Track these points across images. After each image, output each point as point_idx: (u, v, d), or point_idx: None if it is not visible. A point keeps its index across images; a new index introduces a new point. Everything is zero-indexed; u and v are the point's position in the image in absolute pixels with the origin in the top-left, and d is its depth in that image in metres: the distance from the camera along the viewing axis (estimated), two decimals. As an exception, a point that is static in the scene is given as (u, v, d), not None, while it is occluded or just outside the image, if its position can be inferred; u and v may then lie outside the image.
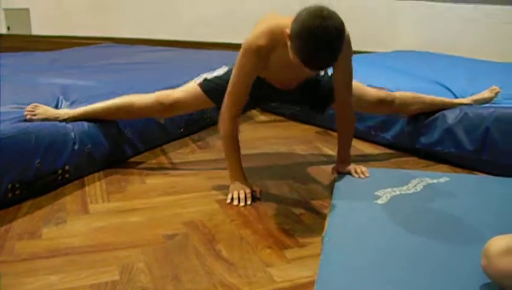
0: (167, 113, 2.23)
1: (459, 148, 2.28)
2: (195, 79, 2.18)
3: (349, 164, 2.06)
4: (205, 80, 2.15)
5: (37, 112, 2.08)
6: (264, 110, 3.18)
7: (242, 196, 1.91)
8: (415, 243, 1.49)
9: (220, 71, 2.15)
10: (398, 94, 2.36)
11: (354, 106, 2.05)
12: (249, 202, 1.89)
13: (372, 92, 2.27)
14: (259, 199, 1.93)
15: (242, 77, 1.87)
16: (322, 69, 1.74)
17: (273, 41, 1.77)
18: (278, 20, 1.78)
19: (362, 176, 2.00)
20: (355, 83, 2.07)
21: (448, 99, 2.42)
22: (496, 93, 2.41)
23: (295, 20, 1.58)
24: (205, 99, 2.14)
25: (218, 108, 2.02)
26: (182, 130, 2.65)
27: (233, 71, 1.89)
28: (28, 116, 2.05)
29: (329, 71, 2.13)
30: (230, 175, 1.99)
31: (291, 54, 1.62)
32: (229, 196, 1.92)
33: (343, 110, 2.02)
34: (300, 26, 1.55)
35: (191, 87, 2.17)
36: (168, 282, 1.40)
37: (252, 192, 1.94)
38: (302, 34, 1.54)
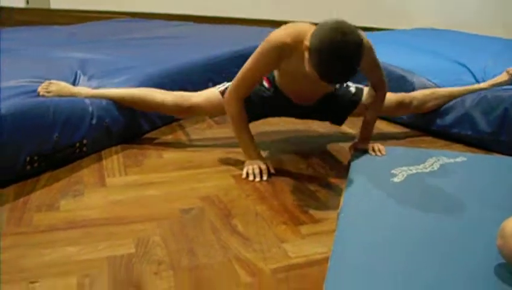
0: (183, 114, 2.29)
1: (476, 131, 2.27)
2: (217, 86, 2.18)
3: (369, 142, 2.07)
4: (227, 88, 2.08)
5: (50, 89, 2.10)
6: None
7: (257, 171, 1.92)
8: (430, 222, 1.48)
9: None
10: (416, 93, 2.38)
11: None
12: (264, 177, 1.91)
13: (390, 96, 2.26)
14: (274, 175, 1.93)
15: (257, 65, 1.87)
16: (338, 83, 1.78)
17: (297, 43, 1.74)
18: (305, 27, 1.76)
19: (379, 153, 2.00)
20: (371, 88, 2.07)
21: (466, 87, 2.39)
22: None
23: (315, 34, 1.58)
24: (224, 107, 2.06)
25: None
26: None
27: (252, 57, 1.87)
28: (41, 94, 2.07)
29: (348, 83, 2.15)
30: (244, 152, 2.00)
31: (307, 67, 1.62)
32: (244, 171, 1.94)
33: (379, 99, 2.04)
34: (320, 41, 1.54)
35: (211, 93, 2.17)
36: (184, 255, 1.41)
37: (267, 167, 1.95)
38: (321, 48, 1.54)
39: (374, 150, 2.02)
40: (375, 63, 1.89)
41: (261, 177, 1.91)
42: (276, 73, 2.04)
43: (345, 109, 2.17)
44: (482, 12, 3.84)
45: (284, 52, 1.78)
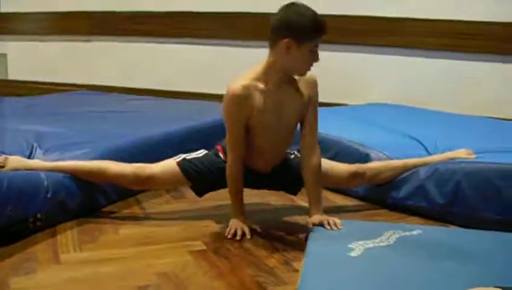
0: (140, 186, 2.28)
1: (430, 203, 2.30)
2: (174, 158, 2.22)
3: (322, 214, 2.06)
4: (184, 159, 2.20)
5: (6, 163, 2.08)
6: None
7: (240, 232, 2.03)
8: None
9: (199, 153, 2.23)
10: (369, 165, 2.43)
11: (327, 182, 2.28)
12: (248, 237, 2.02)
13: (343, 167, 2.34)
14: (231, 251, 1.92)
15: (231, 125, 2.03)
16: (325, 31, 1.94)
17: (247, 89, 1.96)
18: (255, 68, 2.01)
19: (335, 227, 2.00)
20: (324, 160, 2.21)
21: (421, 159, 2.44)
22: (472, 158, 2.41)
23: (290, 24, 1.90)
24: (181, 177, 2.18)
25: (192, 187, 2.22)
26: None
27: (225, 123, 2.04)
28: None
29: (295, 152, 2.25)
30: (232, 212, 2.12)
31: (295, 53, 1.90)
32: (228, 231, 2.05)
33: (311, 154, 2.08)
34: (299, 17, 1.90)
35: (168, 165, 2.21)
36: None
37: (251, 228, 2.07)
38: (304, 17, 1.89)
39: (329, 224, 2.00)
40: (317, 100, 2.10)
41: (245, 236, 2.03)
42: None
43: (299, 178, 2.17)
44: (434, 89, 3.98)
45: (240, 101, 1.96)
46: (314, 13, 1.92)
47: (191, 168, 2.18)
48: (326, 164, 2.25)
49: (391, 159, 2.48)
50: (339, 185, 2.44)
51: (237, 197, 2.11)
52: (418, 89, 4.03)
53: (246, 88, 1.96)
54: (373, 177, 2.40)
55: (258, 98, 1.98)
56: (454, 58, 3.91)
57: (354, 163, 2.44)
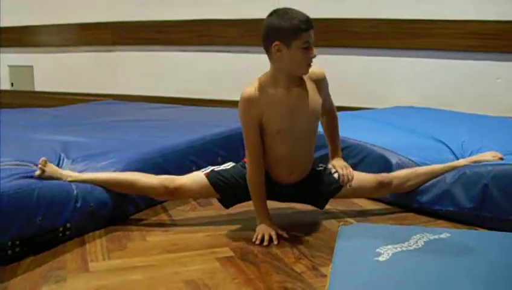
0: (169, 196, 2.28)
1: (457, 207, 2.28)
2: (202, 170, 2.26)
3: (340, 159, 2.27)
4: (212, 171, 2.24)
5: (46, 168, 2.11)
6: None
7: (267, 237, 2.05)
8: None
9: (228, 165, 2.27)
10: (396, 173, 2.41)
11: (355, 194, 2.35)
12: (275, 242, 2.04)
13: (371, 177, 2.34)
14: (259, 257, 1.92)
15: (246, 131, 2.08)
16: (312, 26, 1.96)
17: (257, 93, 2.03)
18: (260, 77, 2.09)
19: (347, 183, 2.16)
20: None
21: (447, 164, 2.41)
22: (499, 159, 2.38)
23: (274, 28, 1.97)
24: (209, 189, 2.21)
25: (219, 200, 2.25)
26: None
27: (242, 130, 2.10)
28: (40, 171, 2.08)
29: (329, 169, 2.28)
30: (257, 218, 2.14)
31: (287, 54, 1.95)
32: (256, 236, 2.07)
33: (332, 118, 2.28)
34: (280, 19, 1.95)
35: (197, 176, 2.24)
36: None
37: (278, 233, 2.09)
38: (280, 18, 1.95)
39: (343, 175, 2.16)
40: (328, 91, 2.19)
41: (273, 241, 2.05)
42: None
43: (327, 193, 2.25)
44: (461, 91, 3.95)
45: (254, 101, 2.03)
46: (296, 12, 1.95)
47: (219, 179, 2.20)
48: (355, 175, 2.24)
49: (418, 165, 2.45)
50: (366, 195, 2.44)
51: (261, 204, 2.14)
52: (445, 91, 4.01)
53: (255, 92, 2.03)
54: (400, 186, 2.38)
55: (268, 102, 2.04)
56: (480, 58, 3.88)
57: (380, 169, 2.45)
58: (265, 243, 2.03)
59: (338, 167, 2.21)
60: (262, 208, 2.13)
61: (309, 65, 2.01)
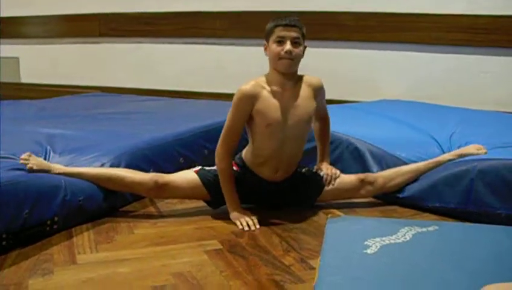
0: (158, 192, 2.27)
1: (443, 202, 2.28)
2: (192, 168, 2.30)
3: (328, 163, 2.40)
4: (202, 168, 2.29)
5: (30, 161, 2.09)
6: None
7: (250, 223, 2.13)
8: (406, 294, 1.48)
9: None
10: (380, 173, 2.44)
11: (340, 194, 2.38)
12: (258, 226, 2.12)
13: (354, 176, 2.39)
14: (247, 249, 1.92)
15: (231, 117, 2.16)
16: (292, 24, 2.08)
17: (256, 87, 2.13)
18: (261, 75, 2.18)
19: (331, 182, 2.31)
20: None
21: (432, 160, 2.43)
22: (482, 153, 2.41)
23: (265, 31, 2.13)
24: (198, 186, 2.24)
25: (207, 201, 2.29)
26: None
27: (228, 115, 2.17)
28: (29, 166, 2.08)
29: (314, 169, 2.39)
30: (228, 205, 2.21)
31: (269, 51, 2.12)
32: (238, 224, 2.13)
33: (326, 123, 2.41)
34: (269, 23, 2.11)
35: (187, 173, 2.29)
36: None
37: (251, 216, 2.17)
38: (272, 21, 2.11)
39: (328, 174, 2.33)
40: (324, 99, 2.31)
41: (256, 226, 2.12)
42: (245, 153, 2.27)
43: (311, 192, 2.34)
44: (445, 85, 3.97)
45: (246, 98, 2.12)
46: (285, 17, 2.10)
47: (209, 177, 2.24)
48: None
49: (404, 161, 2.46)
50: (349, 196, 2.41)
51: (231, 191, 2.20)
52: (431, 85, 4.03)
53: (254, 87, 2.13)
54: (384, 184, 2.38)
55: (263, 97, 2.13)
56: (465, 52, 3.90)
57: (361, 164, 2.56)
58: (252, 227, 2.11)
59: (324, 167, 2.37)
60: (233, 195, 2.21)
61: (283, 58, 2.09)
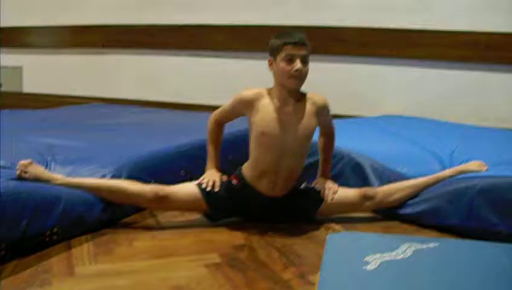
0: (158, 204, 2.26)
1: (444, 220, 2.27)
2: (193, 182, 2.31)
3: (328, 178, 2.42)
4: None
5: (28, 170, 2.09)
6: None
7: (211, 183, 2.25)
8: (405, 312, 1.47)
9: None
10: (380, 188, 2.43)
11: (339, 209, 2.38)
12: (216, 189, 2.25)
13: (354, 190, 2.39)
14: (246, 264, 1.91)
15: (227, 107, 2.31)
16: (302, 43, 2.11)
17: (256, 95, 2.19)
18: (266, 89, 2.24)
19: (330, 197, 2.31)
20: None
21: (432, 177, 2.42)
22: (484, 170, 2.40)
23: (270, 46, 2.16)
24: (198, 199, 2.26)
25: (206, 215, 2.31)
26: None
27: (227, 103, 2.31)
28: (18, 172, 2.07)
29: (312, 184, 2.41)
30: (207, 163, 2.37)
31: (275, 67, 2.15)
32: (202, 179, 2.29)
33: (330, 139, 2.43)
34: (275, 38, 2.14)
35: (187, 185, 2.30)
36: None
37: (221, 180, 2.29)
38: (278, 36, 2.13)
39: (328, 191, 2.33)
40: (330, 116, 2.34)
41: (214, 188, 2.25)
42: (245, 167, 2.30)
43: (309, 207, 2.34)
44: (450, 101, 3.97)
45: (244, 102, 2.21)
46: (292, 33, 2.13)
47: (210, 190, 2.26)
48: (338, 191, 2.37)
49: (405, 177, 2.46)
50: (348, 210, 2.42)
51: (211, 148, 2.36)
52: (434, 101, 4.03)
53: (255, 95, 2.20)
54: (384, 199, 2.38)
55: (262, 106, 2.19)
56: (466, 69, 3.91)
57: (361, 179, 2.55)
58: (209, 187, 2.24)
59: (323, 183, 2.38)
60: (213, 154, 2.36)
61: (293, 77, 2.11)
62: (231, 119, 2.36)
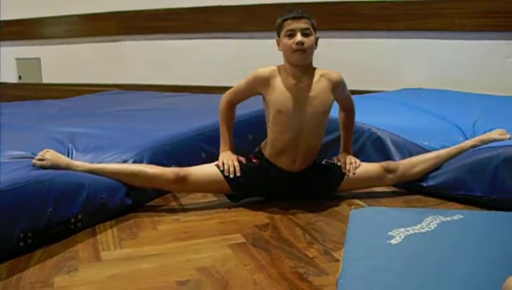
0: (179, 185, 2.26)
1: (468, 191, 2.25)
2: (214, 163, 2.31)
3: (350, 153, 2.42)
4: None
5: (46, 157, 2.10)
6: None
7: (231, 169, 2.24)
8: (430, 283, 1.46)
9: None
10: (402, 161, 2.42)
11: (361, 183, 2.37)
12: (238, 174, 2.24)
13: (376, 164, 2.38)
14: (270, 242, 1.91)
15: (242, 87, 2.30)
16: (300, 16, 2.12)
17: (272, 72, 2.20)
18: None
19: (352, 171, 2.31)
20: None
21: (455, 147, 2.39)
22: (506, 138, 2.37)
23: (276, 26, 2.19)
24: (220, 180, 2.25)
25: (228, 195, 2.31)
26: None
27: (241, 82, 2.31)
28: (34, 162, 2.08)
29: (334, 160, 2.40)
30: (221, 144, 2.35)
31: (281, 45, 2.16)
32: (220, 164, 2.26)
33: (350, 114, 2.42)
34: (278, 18, 2.17)
35: (208, 166, 2.30)
36: (182, 330, 1.38)
37: (239, 161, 2.28)
38: (281, 16, 2.16)
39: (348, 164, 2.33)
40: (347, 91, 2.32)
41: (235, 174, 2.24)
42: (263, 145, 2.31)
43: (331, 182, 2.33)
44: (471, 72, 3.91)
45: (259, 80, 2.20)
46: (293, 10, 2.15)
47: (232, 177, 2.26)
48: (360, 167, 2.36)
49: (426, 150, 2.43)
50: (371, 184, 2.41)
51: (224, 130, 2.34)
52: (454, 72, 3.98)
53: (270, 72, 2.20)
54: (406, 171, 2.36)
55: (277, 84, 2.18)
56: (491, 38, 3.84)
57: (386, 154, 2.52)
58: (231, 174, 2.23)
59: (344, 158, 2.37)
60: (226, 136, 2.34)
61: (296, 51, 2.11)
62: (244, 99, 2.35)
